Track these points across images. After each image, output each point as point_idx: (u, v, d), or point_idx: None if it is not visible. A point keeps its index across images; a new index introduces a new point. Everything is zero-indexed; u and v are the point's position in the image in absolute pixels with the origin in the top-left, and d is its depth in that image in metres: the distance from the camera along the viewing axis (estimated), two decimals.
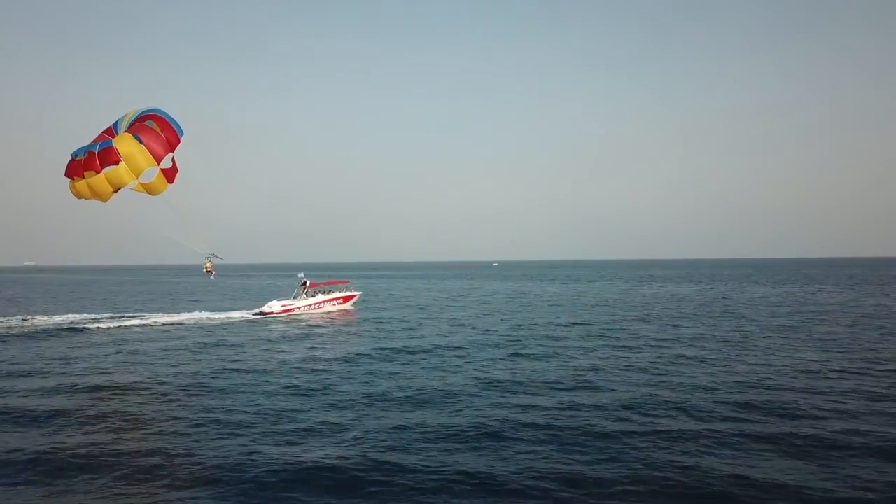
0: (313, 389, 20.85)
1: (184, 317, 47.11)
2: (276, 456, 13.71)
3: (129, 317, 47.20)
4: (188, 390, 20.90)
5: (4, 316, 46.81)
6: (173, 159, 24.24)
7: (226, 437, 15.25)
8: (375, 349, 29.75)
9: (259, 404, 18.70)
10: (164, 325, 42.57)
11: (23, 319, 44.63)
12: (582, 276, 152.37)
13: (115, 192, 23.89)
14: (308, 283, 52.71)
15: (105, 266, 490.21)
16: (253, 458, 13.64)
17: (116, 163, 22.30)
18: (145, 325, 42.43)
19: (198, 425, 16.40)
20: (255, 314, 48.84)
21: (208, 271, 32.06)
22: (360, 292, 59.60)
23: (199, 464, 13.35)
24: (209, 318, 46.39)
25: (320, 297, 52.56)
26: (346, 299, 54.76)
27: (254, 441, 14.90)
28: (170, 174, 24.11)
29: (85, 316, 47.96)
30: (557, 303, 61.27)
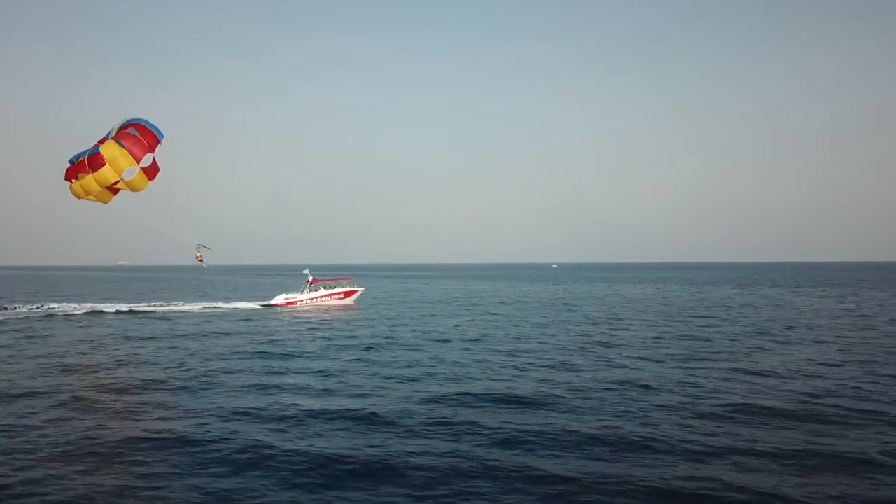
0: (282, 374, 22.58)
1: (200, 305, 54.86)
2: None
3: (155, 304, 53.96)
4: (168, 369, 24.69)
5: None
6: (154, 159, 28.78)
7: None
8: (353, 342, 31.04)
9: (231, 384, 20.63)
10: (184, 312, 49.51)
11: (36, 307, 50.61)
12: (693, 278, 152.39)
13: (112, 192, 28.62)
14: (311, 279, 57.14)
15: (172, 266, 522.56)
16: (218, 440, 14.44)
17: (103, 165, 26.94)
18: (163, 311, 49.16)
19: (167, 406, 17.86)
20: (262, 305, 54.10)
21: (199, 260, 36.54)
22: (363, 288, 63.50)
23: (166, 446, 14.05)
24: (221, 308, 52.61)
25: (322, 292, 56.83)
26: (346, 294, 58.86)
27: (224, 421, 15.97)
28: (150, 172, 28.58)
29: (109, 304, 53.65)
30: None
